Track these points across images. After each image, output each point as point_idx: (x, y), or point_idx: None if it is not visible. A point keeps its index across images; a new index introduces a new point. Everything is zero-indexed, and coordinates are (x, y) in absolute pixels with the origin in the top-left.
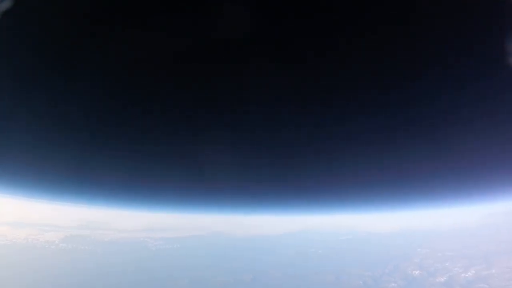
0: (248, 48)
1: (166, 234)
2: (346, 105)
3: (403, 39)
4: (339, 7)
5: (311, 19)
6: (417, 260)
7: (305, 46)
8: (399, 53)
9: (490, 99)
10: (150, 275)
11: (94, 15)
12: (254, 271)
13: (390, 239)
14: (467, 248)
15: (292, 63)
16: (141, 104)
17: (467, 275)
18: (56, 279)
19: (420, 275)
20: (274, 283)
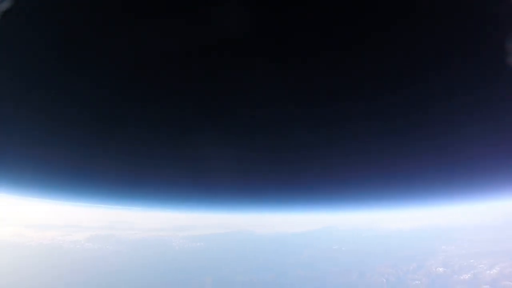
0: (250, 43)
1: (190, 232)
2: (364, 103)
3: (403, 39)
4: None
5: (311, 15)
6: (441, 258)
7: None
8: (398, 52)
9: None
10: (174, 273)
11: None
12: (277, 270)
13: (413, 236)
14: (492, 244)
15: (292, 58)
16: (161, 105)
17: (492, 272)
18: (82, 278)
19: (444, 273)
20: (296, 281)
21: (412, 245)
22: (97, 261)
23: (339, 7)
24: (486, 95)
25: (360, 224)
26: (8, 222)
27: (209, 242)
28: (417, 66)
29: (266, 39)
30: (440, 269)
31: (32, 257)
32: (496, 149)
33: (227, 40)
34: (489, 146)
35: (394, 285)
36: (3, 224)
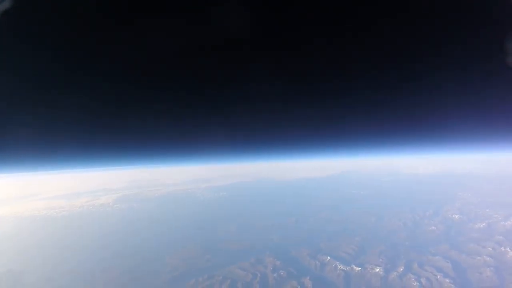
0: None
1: (212, 184)
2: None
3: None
4: None
5: None
6: (458, 204)
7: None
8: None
9: None
10: (200, 223)
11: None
12: (298, 214)
13: (432, 182)
14: (509, 196)
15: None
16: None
17: (506, 223)
18: (114, 237)
19: (459, 220)
20: (318, 224)
21: (430, 190)
22: (127, 219)
23: None
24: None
25: (379, 169)
26: (36, 198)
27: (232, 191)
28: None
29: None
30: (456, 216)
31: (68, 225)
32: None
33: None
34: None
35: (411, 229)
36: (31, 200)
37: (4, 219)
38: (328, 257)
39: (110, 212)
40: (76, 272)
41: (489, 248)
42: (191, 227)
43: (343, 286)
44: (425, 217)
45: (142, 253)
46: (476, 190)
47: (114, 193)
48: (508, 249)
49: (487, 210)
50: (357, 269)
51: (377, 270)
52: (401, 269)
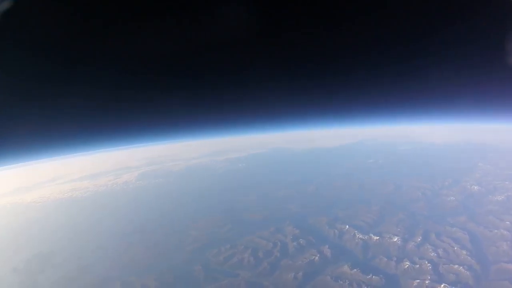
0: None
1: (230, 156)
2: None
3: None
4: None
5: None
6: (477, 175)
7: None
8: None
9: None
10: (219, 194)
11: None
12: (316, 183)
13: (451, 151)
14: None
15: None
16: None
17: None
18: (137, 212)
19: (478, 191)
20: (335, 193)
21: (448, 160)
22: (149, 195)
23: None
24: None
25: (396, 138)
26: (61, 181)
27: (249, 162)
28: None
29: None
30: (475, 187)
31: (93, 204)
32: None
33: None
34: None
35: (430, 199)
36: (57, 183)
37: (32, 205)
38: (347, 226)
39: (133, 188)
40: (103, 248)
41: (507, 222)
42: (211, 199)
43: (361, 254)
44: (444, 187)
45: (165, 226)
46: (496, 161)
47: (135, 171)
48: None
49: (507, 182)
50: (375, 238)
51: (395, 239)
52: (419, 239)
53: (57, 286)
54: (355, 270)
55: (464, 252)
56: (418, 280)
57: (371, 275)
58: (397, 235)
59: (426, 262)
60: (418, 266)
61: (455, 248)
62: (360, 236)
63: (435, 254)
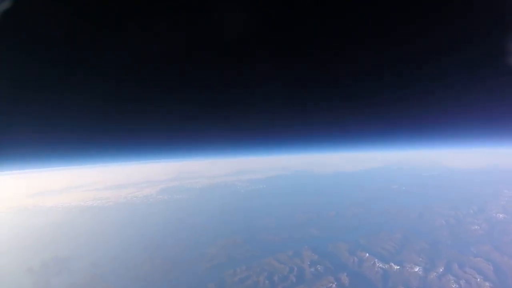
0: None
1: (252, 176)
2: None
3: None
4: None
5: None
6: (503, 203)
7: None
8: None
9: None
10: (239, 214)
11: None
12: (338, 207)
13: (476, 177)
14: None
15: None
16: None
17: None
18: (156, 226)
19: (503, 219)
20: (357, 218)
21: (474, 186)
22: (169, 209)
23: None
24: None
25: (421, 163)
26: (83, 189)
27: (273, 183)
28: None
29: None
30: (501, 215)
31: (113, 214)
32: None
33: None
34: None
35: (453, 227)
36: (80, 191)
37: (53, 209)
38: (367, 254)
39: (153, 202)
40: (119, 258)
41: None
42: (231, 217)
43: (380, 284)
44: (468, 215)
45: (183, 242)
46: None
47: (157, 185)
48: None
49: None
50: (395, 267)
51: (416, 269)
52: (441, 270)
53: None
54: None
55: (487, 284)
56: None
57: None
58: (418, 265)
59: None
60: None
61: (478, 280)
62: (380, 265)
63: (457, 286)
